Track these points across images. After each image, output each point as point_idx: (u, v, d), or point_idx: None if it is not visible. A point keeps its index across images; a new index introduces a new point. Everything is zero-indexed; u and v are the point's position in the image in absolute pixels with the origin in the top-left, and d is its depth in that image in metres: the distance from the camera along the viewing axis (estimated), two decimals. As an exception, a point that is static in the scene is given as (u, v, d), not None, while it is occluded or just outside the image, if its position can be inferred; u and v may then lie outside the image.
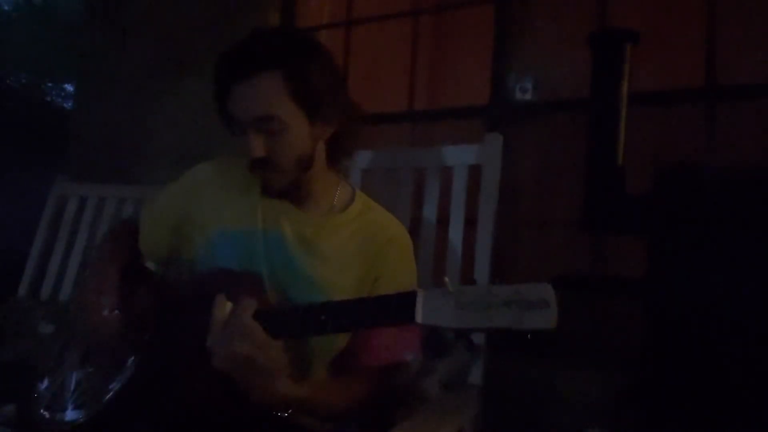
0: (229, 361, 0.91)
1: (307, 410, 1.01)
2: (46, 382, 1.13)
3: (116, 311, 1.08)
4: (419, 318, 0.80)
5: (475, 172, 1.52)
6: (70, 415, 1.06)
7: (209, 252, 1.15)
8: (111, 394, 1.04)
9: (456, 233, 1.50)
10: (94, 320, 1.08)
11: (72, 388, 1.09)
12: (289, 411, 0.98)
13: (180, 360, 1.01)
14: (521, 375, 1.81)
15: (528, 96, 2.28)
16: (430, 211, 1.56)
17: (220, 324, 0.93)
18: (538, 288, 0.73)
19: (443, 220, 1.53)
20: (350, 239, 1.16)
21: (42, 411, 1.09)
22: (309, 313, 0.93)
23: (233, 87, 1.04)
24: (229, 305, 0.95)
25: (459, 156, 1.56)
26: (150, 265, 1.32)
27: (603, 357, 1.80)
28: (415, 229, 1.48)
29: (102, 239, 1.31)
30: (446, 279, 0.80)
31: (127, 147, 2.74)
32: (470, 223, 1.49)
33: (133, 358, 1.05)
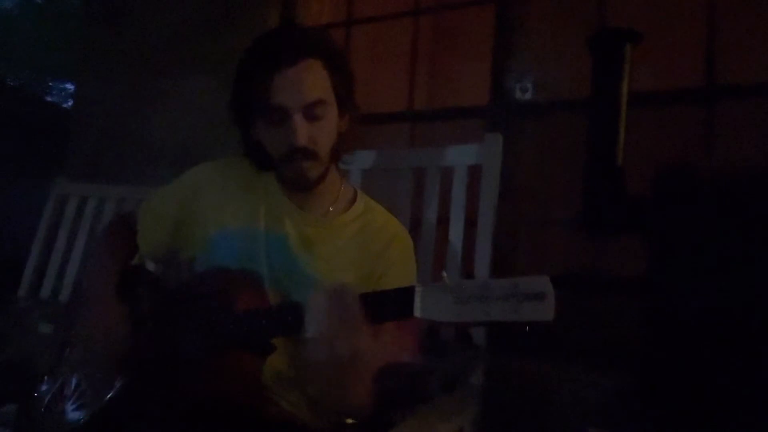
0: (340, 355, 0.82)
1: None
2: (46, 382, 1.13)
3: (119, 320, 1.07)
4: (418, 312, 0.80)
5: (475, 172, 1.52)
6: (70, 415, 1.06)
7: (209, 252, 1.15)
8: (111, 394, 1.04)
9: (456, 233, 1.50)
10: (98, 331, 1.06)
11: (72, 388, 1.09)
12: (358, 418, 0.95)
13: (180, 360, 1.01)
14: (521, 375, 1.80)
15: (528, 96, 2.28)
16: (430, 211, 1.56)
17: (325, 310, 0.84)
18: (535, 281, 0.74)
19: (443, 220, 1.53)
20: (352, 239, 1.16)
21: (42, 411, 1.09)
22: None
23: (279, 74, 1.03)
24: (326, 292, 0.85)
25: (459, 156, 1.56)
26: (149, 264, 1.32)
27: (603, 357, 1.80)
28: (415, 229, 1.48)
29: (100, 237, 1.30)
30: (444, 274, 0.80)
31: (127, 147, 2.74)
32: (470, 223, 1.49)
33: (133, 358, 1.05)
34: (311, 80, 1.05)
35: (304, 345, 0.87)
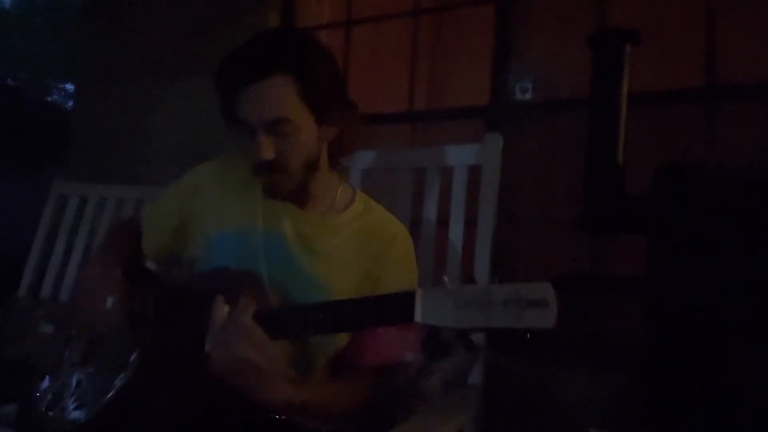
0: (228, 364, 0.91)
1: (306, 412, 1.01)
2: (46, 382, 1.13)
3: (117, 302, 1.08)
4: (418, 317, 0.80)
5: (475, 172, 1.52)
6: (71, 415, 1.06)
7: (209, 252, 1.15)
8: (111, 394, 1.04)
9: (456, 233, 1.50)
10: (96, 309, 1.08)
11: (72, 388, 1.09)
12: (289, 413, 0.98)
13: (180, 360, 1.01)
14: (521, 375, 1.80)
15: (528, 96, 2.28)
16: (430, 211, 1.56)
17: (219, 326, 0.93)
18: (537, 287, 0.73)
19: (443, 220, 1.53)
20: (351, 239, 1.16)
21: (42, 411, 1.09)
22: (308, 313, 0.93)
23: (243, 90, 1.03)
24: (226, 307, 0.95)
25: (459, 156, 1.56)
26: (149, 264, 1.32)
27: (603, 357, 1.80)
28: (415, 229, 1.48)
29: (104, 237, 1.31)
30: (445, 278, 0.80)
31: (127, 147, 2.74)
32: (470, 223, 1.49)
33: (133, 358, 1.05)
34: (273, 98, 1.03)
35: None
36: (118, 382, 1.05)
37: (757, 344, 1.31)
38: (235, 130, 1.09)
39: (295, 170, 1.09)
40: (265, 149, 1.04)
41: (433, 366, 1.31)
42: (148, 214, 1.27)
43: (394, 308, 0.85)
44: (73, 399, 1.08)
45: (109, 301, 1.08)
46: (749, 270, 1.34)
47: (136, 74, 2.78)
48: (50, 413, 1.08)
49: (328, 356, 1.11)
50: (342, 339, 1.11)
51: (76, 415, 1.06)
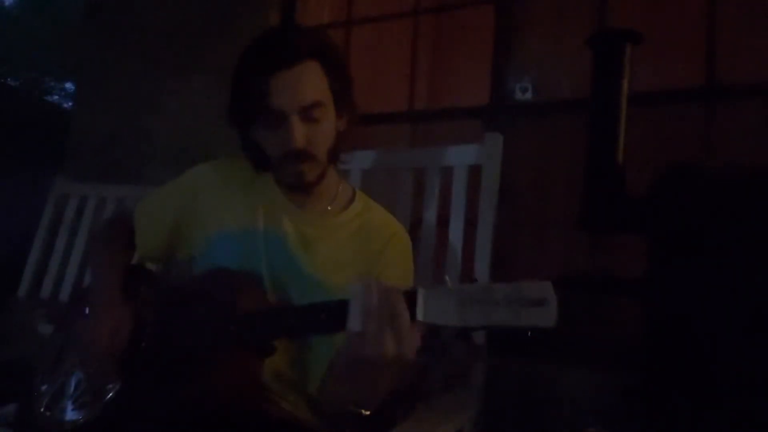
0: (386, 351, 0.80)
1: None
2: (46, 382, 1.13)
3: (122, 328, 1.06)
4: (420, 316, 0.80)
5: (475, 172, 1.52)
6: (70, 415, 1.06)
7: (209, 252, 1.15)
8: (111, 394, 1.04)
9: (456, 233, 1.50)
10: (104, 330, 1.05)
11: (72, 388, 1.09)
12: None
13: (179, 360, 1.01)
14: (521, 375, 1.81)
15: (528, 96, 2.28)
16: (430, 211, 1.56)
17: (375, 305, 0.81)
18: (538, 286, 0.74)
19: (443, 220, 1.53)
20: (351, 238, 1.16)
21: (42, 411, 1.09)
22: (309, 313, 0.93)
23: (276, 77, 1.03)
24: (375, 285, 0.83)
25: (459, 156, 1.56)
26: (149, 264, 1.32)
27: (603, 357, 1.80)
28: (415, 229, 1.48)
29: (100, 236, 1.30)
30: (447, 277, 0.80)
31: (127, 147, 2.74)
32: (470, 223, 1.49)
33: (133, 358, 1.05)
34: (308, 82, 1.04)
35: (344, 341, 0.84)
36: (117, 383, 1.04)
37: (757, 344, 1.31)
38: (265, 121, 1.07)
39: (321, 158, 1.09)
40: (298, 136, 1.04)
41: (433, 366, 1.31)
42: (140, 214, 1.26)
43: None
44: (72, 399, 1.08)
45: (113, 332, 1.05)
46: (748, 270, 1.34)
47: (136, 74, 2.78)
48: (49, 413, 1.08)
49: (328, 358, 1.11)
50: (341, 340, 1.10)
51: (74, 415, 1.06)
